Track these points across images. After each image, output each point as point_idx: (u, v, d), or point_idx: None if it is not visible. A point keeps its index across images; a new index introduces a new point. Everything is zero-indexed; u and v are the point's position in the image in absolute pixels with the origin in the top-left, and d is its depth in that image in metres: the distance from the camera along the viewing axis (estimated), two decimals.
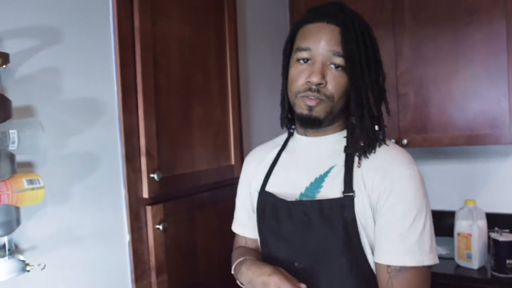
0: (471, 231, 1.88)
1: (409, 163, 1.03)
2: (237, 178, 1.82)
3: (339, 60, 1.01)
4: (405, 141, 2.21)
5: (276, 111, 2.23)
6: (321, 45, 1.02)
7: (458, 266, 1.95)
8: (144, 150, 1.41)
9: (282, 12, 2.47)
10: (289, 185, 1.12)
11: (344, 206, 1.00)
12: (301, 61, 1.05)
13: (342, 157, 1.07)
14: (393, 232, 0.96)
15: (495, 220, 2.14)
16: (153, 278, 1.44)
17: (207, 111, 1.69)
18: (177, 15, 1.56)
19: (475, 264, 1.88)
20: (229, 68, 1.83)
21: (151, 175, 1.42)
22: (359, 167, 1.03)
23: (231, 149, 1.82)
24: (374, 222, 1.00)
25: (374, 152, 1.04)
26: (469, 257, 1.89)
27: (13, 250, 1.03)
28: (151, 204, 1.44)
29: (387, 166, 1.01)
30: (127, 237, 1.40)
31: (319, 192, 1.05)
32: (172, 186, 1.51)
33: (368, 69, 1.03)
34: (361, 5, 2.29)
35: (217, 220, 1.72)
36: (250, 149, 2.06)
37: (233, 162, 1.81)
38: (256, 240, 1.25)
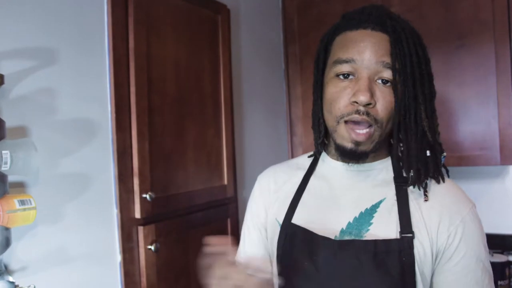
0: None
1: (471, 201, 0.92)
2: (230, 198, 1.84)
3: (389, 74, 0.85)
4: None
5: (269, 132, 2.24)
6: (367, 56, 0.85)
7: None
8: (136, 171, 1.41)
9: (276, 33, 2.51)
10: (324, 219, 0.92)
11: (402, 249, 0.84)
12: (341, 77, 0.88)
13: (392, 189, 0.91)
14: (469, 282, 0.86)
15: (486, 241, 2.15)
16: None
17: (200, 131, 1.70)
18: (172, 37, 1.58)
19: None
20: (223, 89, 1.84)
21: (144, 196, 1.42)
22: (426, 200, 0.88)
23: (224, 169, 1.82)
24: (434, 266, 0.87)
25: (438, 182, 0.91)
26: None
27: (3, 271, 1.02)
28: (143, 224, 1.44)
29: (454, 205, 0.89)
30: (118, 258, 1.39)
31: (367, 230, 0.87)
32: (164, 206, 1.50)
33: (422, 85, 0.88)
34: None
35: None
36: (242, 169, 2.08)
37: (226, 182, 1.82)
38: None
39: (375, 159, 0.94)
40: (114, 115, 1.37)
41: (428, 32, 2.16)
